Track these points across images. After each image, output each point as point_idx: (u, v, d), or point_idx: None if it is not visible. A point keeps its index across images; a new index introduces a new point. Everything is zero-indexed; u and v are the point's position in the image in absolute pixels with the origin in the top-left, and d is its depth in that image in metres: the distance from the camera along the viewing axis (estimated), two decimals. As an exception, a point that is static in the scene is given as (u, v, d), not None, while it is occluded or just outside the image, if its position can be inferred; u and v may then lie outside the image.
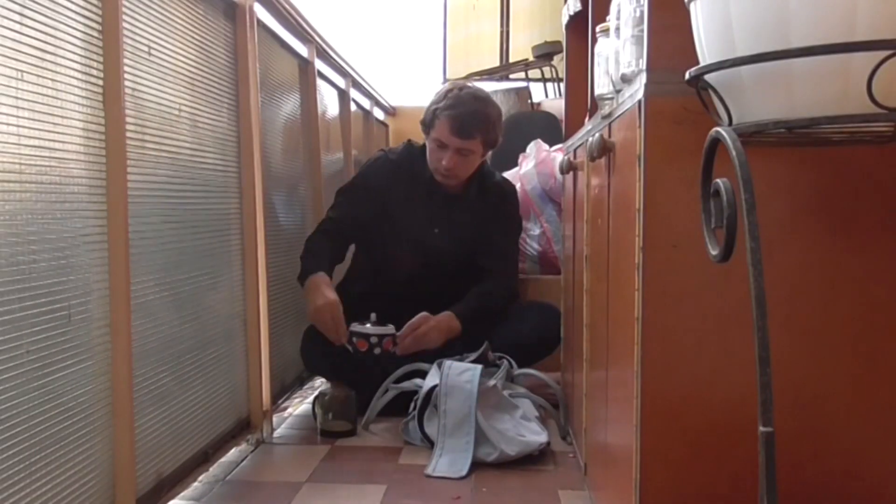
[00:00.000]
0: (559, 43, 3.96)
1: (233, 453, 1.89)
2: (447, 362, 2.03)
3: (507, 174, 3.03)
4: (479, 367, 2.00)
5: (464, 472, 1.79)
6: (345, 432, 2.11)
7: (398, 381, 2.19)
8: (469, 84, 2.48)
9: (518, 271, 2.68)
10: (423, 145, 2.46)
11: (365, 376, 2.25)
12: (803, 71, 0.76)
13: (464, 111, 2.31)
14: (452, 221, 2.46)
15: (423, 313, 2.30)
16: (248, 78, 1.92)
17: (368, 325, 2.21)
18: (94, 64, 1.24)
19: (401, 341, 2.24)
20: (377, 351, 2.18)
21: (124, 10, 1.31)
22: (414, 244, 2.43)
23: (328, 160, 2.92)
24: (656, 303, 1.06)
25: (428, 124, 2.39)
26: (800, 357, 1.05)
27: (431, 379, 2.04)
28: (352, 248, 2.59)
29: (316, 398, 2.20)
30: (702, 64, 0.86)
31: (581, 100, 2.04)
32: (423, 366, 2.17)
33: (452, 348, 2.25)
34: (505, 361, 2.18)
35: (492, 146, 2.43)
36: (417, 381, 2.12)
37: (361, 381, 2.22)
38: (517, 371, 2.25)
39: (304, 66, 2.62)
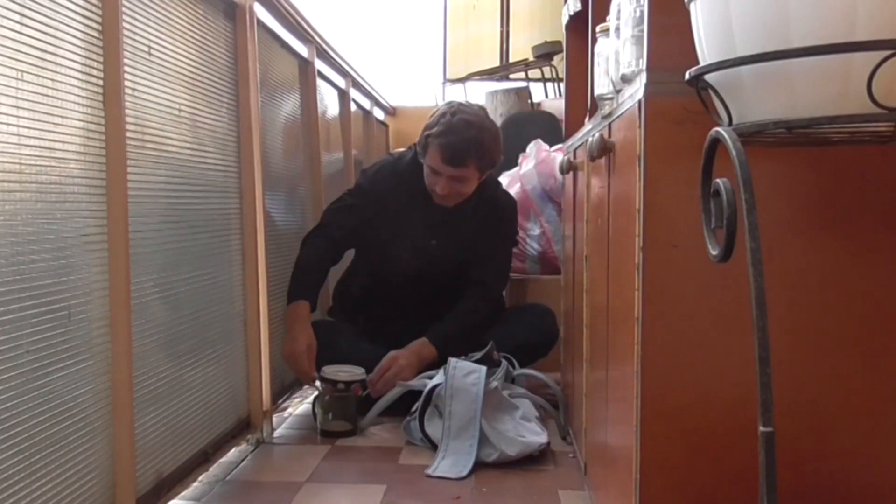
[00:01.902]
0: (559, 43, 3.96)
1: (233, 453, 1.89)
2: (452, 361, 2.02)
3: (507, 174, 3.04)
4: (485, 368, 1.99)
5: (464, 474, 1.79)
6: (345, 432, 2.11)
7: None
8: (465, 106, 2.39)
9: (505, 285, 2.65)
10: None
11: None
12: (803, 71, 0.76)
13: (455, 139, 2.27)
14: (450, 233, 2.44)
15: (391, 353, 2.27)
16: (248, 78, 1.92)
17: (340, 371, 2.17)
18: (94, 64, 1.24)
19: (371, 385, 2.21)
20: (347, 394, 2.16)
21: (124, 10, 1.31)
22: (412, 253, 2.44)
23: (328, 160, 2.92)
24: (656, 303, 1.06)
25: (422, 149, 2.36)
26: (800, 357, 1.05)
27: (436, 378, 2.04)
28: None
29: (316, 398, 2.20)
30: (702, 64, 0.86)
31: (581, 100, 2.04)
32: (429, 372, 2.17)
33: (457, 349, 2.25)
34: (503, 361, 2.18)
35: (489, 168, 2.40)
36: (425, 380, 2.12)
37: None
38: (517, 371, 2.25)
39: (304, 66, 2.62)
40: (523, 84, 4.66)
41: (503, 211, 2.56)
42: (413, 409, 2.07)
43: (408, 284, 2.46)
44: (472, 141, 2.29)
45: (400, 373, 2.23)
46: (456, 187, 2.35)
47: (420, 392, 2.08)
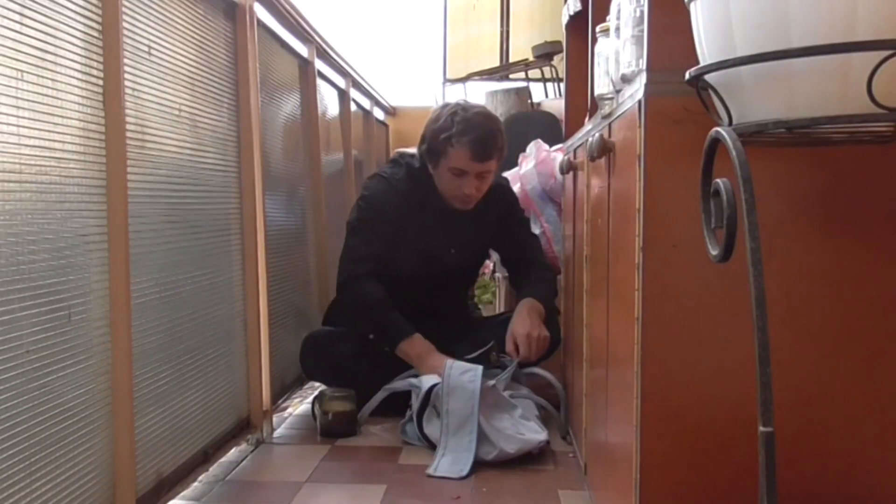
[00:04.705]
0: (559, 43, 3.96)
1: (233, 453, 1.89)
2: (449, 362, 2.02)
3: (506, 174, 3.03)
4: (481, 367, 2.00)
5: (464, 472, 1.79)
6: (345, 432, 2.11)
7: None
8: (469, 103, 2.38)
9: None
10: (420, 163, 2.38)
11: (365, 384, 2.24)
12: (803, 71, 0.76)
13: (481, 135, 2.24)
14: (465, 237, 2.42)
15: (518, 330, 2.25)
16: (248, 78, 1.92)
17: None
18: (94, 64, 1.24)
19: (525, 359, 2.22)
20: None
21: (124, 10, 1.31)
22: (431, 265, 2.39)
23: (328, 160, 2.92)
24: (656, 303, 1.06)
25: (439, 153, 2.28)
26: (800, 357, 1.05)
27: (431, 379, 2.04)
28: None
29: (316, 398, 2.20)
30: (702, 64, 0.86)
31: (581, 100, 2.04)
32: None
33: (457, 348, 2.24)
34: (512, 361, 2.18)
35: (503, 161, 2.41)
36: (412, 380, 2.12)
37: (361, 389, 2.21)
38: (522, 371, 2.24)
39: (304, 66, 2.63)
40: (523, 84, 4.66)
41: (507, 195, 2.57)
42: (408, 410, 2.07)
43: (418, 294, 2.40)
44: (494, 133, 2.29)
45: (540, 341, 2.24)
46: (480, 185, 2.33)
47: (407, 392, 2.09)
